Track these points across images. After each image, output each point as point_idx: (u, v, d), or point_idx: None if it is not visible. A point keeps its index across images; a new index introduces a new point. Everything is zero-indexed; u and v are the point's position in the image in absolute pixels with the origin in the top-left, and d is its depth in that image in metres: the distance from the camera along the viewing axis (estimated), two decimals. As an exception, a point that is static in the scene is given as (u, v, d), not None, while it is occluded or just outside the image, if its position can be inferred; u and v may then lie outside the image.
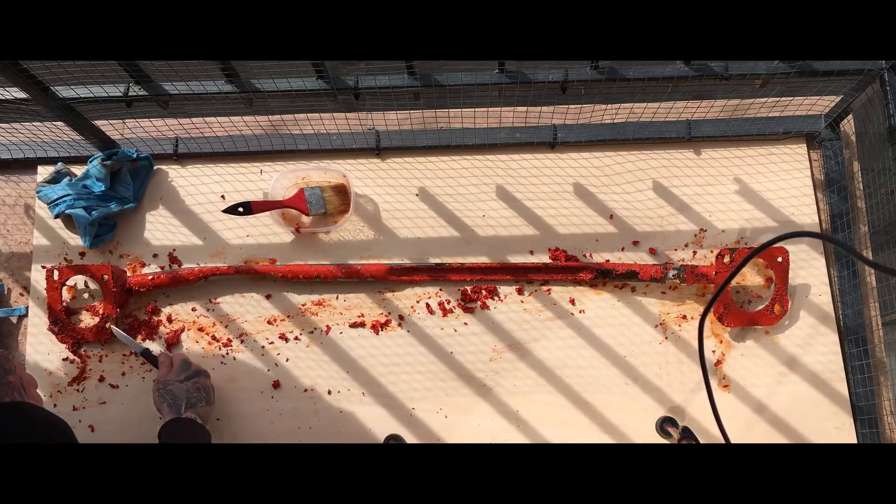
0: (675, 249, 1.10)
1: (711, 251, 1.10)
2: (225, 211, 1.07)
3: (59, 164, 1.14)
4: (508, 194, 1.13)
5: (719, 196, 1.12)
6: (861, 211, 1.11)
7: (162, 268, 1.12)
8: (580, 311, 1.08)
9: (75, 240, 1.13)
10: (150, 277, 1.08)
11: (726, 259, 1.03)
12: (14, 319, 1.13)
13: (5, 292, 1.14)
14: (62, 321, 1.08)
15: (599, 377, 1.06)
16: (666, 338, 1.07)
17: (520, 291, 1.09)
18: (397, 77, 0.99)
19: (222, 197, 1.14)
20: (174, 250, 1.12)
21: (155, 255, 1.12)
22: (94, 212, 1.09)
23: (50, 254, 1.13)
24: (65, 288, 1.09)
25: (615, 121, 1.15)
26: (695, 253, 1.10)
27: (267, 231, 1.13)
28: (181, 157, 1.16)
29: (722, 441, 0.88)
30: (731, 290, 1.07)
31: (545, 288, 1.09)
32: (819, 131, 1.13)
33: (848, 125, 1.13)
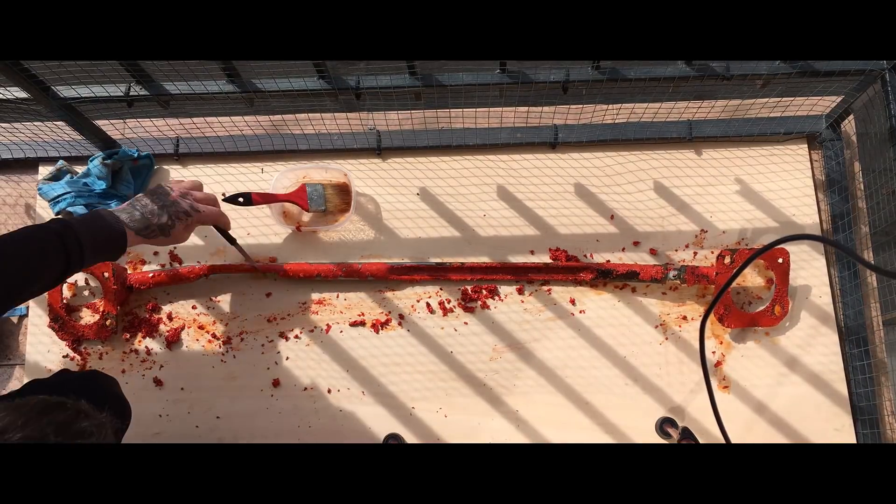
0: (676, 250, 1.10)
1: (712, 252, 1.10)
2: (225, 200, 1.07)
3: (61, 161, 1.14)
4: (509, 194, 1.13)
5: (720, 196, 1.12)
6: (862, 211, 1.11)
7: (163, 266, 1.12)
8: (580, 312, 1.08)
9: (76, 238, 1.13)
10: (150, 275, 1.08)
11: (727, 260, 1.03)
12: (14, 319, 1.13)
13: (6, 291, 1.14)
14: (62, 318, 1.08)
15: (600, 377, 1.06)
16: (666, 338, 1.07)
17: (520, 291, 1.09)
18: (398, 77, 0.99)
19: (223, 196, 1.14)
20: (175, 248, 1.13)
21: (155, 253, 1.13)
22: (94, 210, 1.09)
23: (51, 252, 1.13)
24: (65, 285, 1.09)
25: (616, 121, 1.15)
26: (695, 254, 1.10)
27: (268, 230, 1.13)
28: (182, 156, 1.16)
29: (721, 441, 0.89)
30: (732, 291, 1.07)
31: (545, 288, 1.09)
32: (820, 132, 1.13)
33: (849, 125, 1.13)
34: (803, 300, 1.08)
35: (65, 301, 1.09)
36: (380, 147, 1.15)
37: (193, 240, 1.13)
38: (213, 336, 1.09)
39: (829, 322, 1.07)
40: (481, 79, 0.99)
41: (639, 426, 1.04)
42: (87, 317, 1.10)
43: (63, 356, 1.09)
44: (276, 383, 1.07)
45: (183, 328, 1.10)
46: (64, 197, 1.10)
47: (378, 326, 1.09)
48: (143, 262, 1.12)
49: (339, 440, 1.05)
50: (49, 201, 1.11)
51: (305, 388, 1.07)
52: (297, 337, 1.09)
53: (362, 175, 1.15)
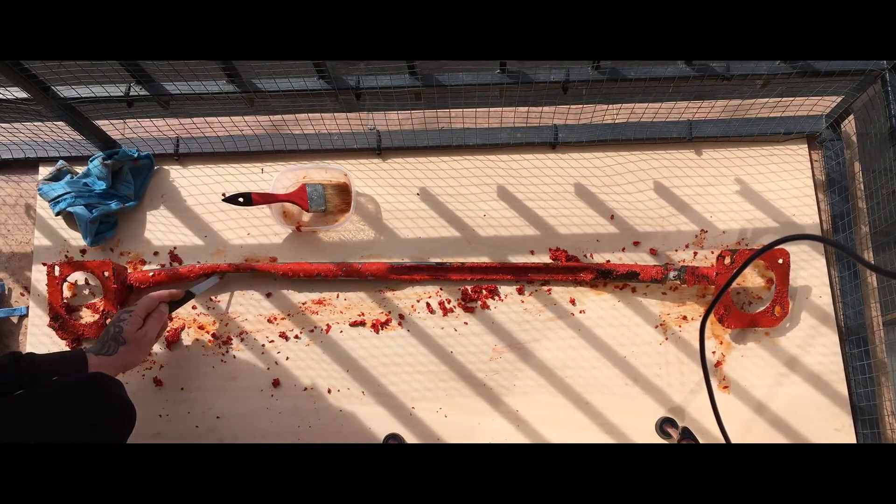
0: (676, 250, 1.10)
1: (712, 252, 1.10)
2: (225, 200, 1.07)
3: (61, 161, 1.14)
4: (509, 194, 1.13)
5: (720, 196, 1.12)
6: (862, 211, 1.11)
7: (163, 265, 1.12)
8: (580, 312, 1.08)
9: (76, 239, 1.13)
10: (150, 274, 1.08)
11: (727, 260, 1.03)
12: (15, 319, 1.13)
13: (6, 292, 1.14)
14: (62, 318, 1.08)
15: (600, 377, 1.06)
16: (666, 338, 1.07)
17: (520, 291, 1.09)
18: (398, 77, 0.99)
19: (223, 196, 1.14)
20: (175, 248, 1.13)
21: (156, 254, 1.13)
22: (94, 210, 1.09)
23: (51, 253, 1.13)
24: (65, 285, 1.09)
25: (616, 121, 1.15)
26: (695, 254, 1.10)
27: (267, 230, 1.13)
28: (182, 156, 1.16)
29: (721, 441, 0.88)
30: (732, 291, 1.07)
31: (545, 288, 1.09)
32: (820, 132, 1.13)
33: (849, 125, 1.13)
34: (803, 300, 1.08)
35: (65, 300, 1.09)
36: (380, 147, 1.15)
37: (193, 240, 1.13)
38: (213, 336, 1.09)
39: (829, 322, 1.07)
40: (481, 79, 0.99)
41: (639, 426, 1.04)
42: (87, 316, 1.10)
43: (63, 356, 1.09)
44: (276, 383, 1.07)
45: (183, 328, 1.10)
46: (64, 197, 1.10)
47: (378, 326, 1.09)
48: (143, 262, 1.12)
49: (339, 440, 1.05)
50: (49, 201, 1.12)
51: (305, 389, 1.07)
52: (297, 337, 1.09)
53: (362, 175, 1.15)
